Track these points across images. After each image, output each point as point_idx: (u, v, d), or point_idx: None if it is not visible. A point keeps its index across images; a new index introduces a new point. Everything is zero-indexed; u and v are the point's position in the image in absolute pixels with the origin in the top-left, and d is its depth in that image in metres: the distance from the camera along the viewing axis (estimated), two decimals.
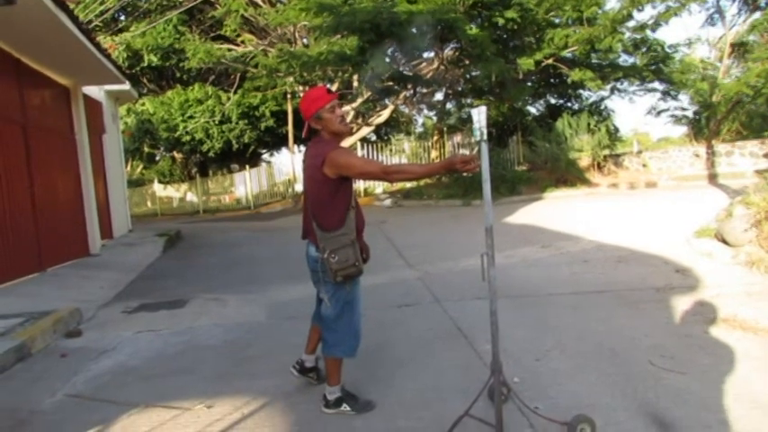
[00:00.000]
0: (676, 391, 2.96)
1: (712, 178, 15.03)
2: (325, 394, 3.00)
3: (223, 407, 3.14)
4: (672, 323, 4.11)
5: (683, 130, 20.68)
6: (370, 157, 18.52)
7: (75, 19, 6.90)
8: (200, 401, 3.21)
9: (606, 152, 16.57)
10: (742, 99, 16.07)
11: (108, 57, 8.77)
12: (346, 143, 20.31)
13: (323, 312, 3.01)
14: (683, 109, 18.56)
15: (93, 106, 10.71)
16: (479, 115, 2.53)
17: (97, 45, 8.08)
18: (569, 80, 16.27)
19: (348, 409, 2.95)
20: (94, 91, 10.98)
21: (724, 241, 6.11)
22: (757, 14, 17.02)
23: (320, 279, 2.93)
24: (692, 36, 21.15)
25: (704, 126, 17.60)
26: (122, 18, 20.58)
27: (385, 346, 3.99)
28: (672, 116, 19.15)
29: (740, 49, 18.41)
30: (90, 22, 15.84)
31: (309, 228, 2.94)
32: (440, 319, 4.57)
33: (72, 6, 7.33)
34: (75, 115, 9.26)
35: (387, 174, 2.79)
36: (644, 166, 16.71)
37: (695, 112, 18.09)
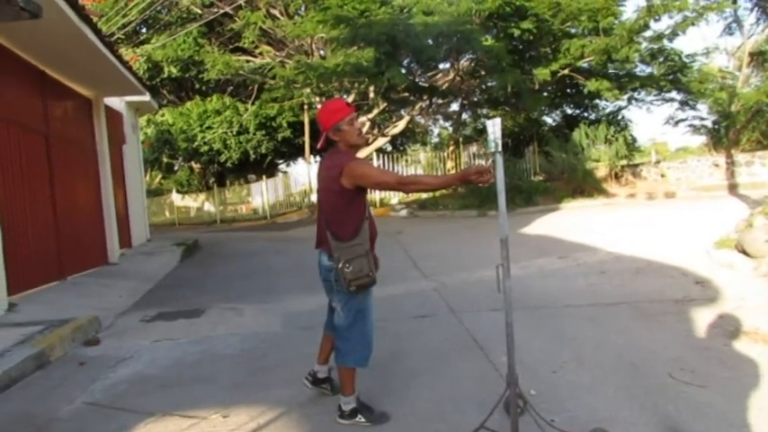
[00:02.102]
0: (697, 405, 2.91)
1: (732, 188, 14.80)
2: (340, 405, 3.00)
3: (239, 416, 3.15)
4: (692, 336, 4.05)
5: (701, 139, 20.40)
6: (386, 167, 18.57)
7: (98, 32, 7.06)
8: (217, 411, 3.23)
9: (624, 162, 16.41)
10: (762, 108, 15.84)
11: (129, 69, 8.94)
12: (362, 153, 20.47)
13: (336, 322, 3.03)
14: (702, 118, 18.32)
15: (113, 117, 10.91)
16: (494, 127, 2.54)
17: (119, 57, 8.25)
18: (586, 90, 16.17)
19: (363, 420, 2.94)
20: (115, 102, 11.19)
21: (744, 252, 6.00)
22: None
23: (333, 288, 2.95)
24: (710, 45, 21.03)
25: (723, 136, 17.35)
26: (144, 31, 20.98)
27: (400, 357, 3.98)
28: (690, 126, 18.90)
29: (759, 58, 18.18)
30: (112, 34, 16.17)
31: (323, 237, 2.96)
32: (455, 331, 4.55)
33: (95, 20, 7.50)
34: (96, 126, 9.44)
35: (402, 184, 2.86)
36: (662, 176, 16.51)
37: (714, 122, 17.85)
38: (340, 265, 2.81)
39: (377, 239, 3.09)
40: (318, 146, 3.02)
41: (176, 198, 28.50)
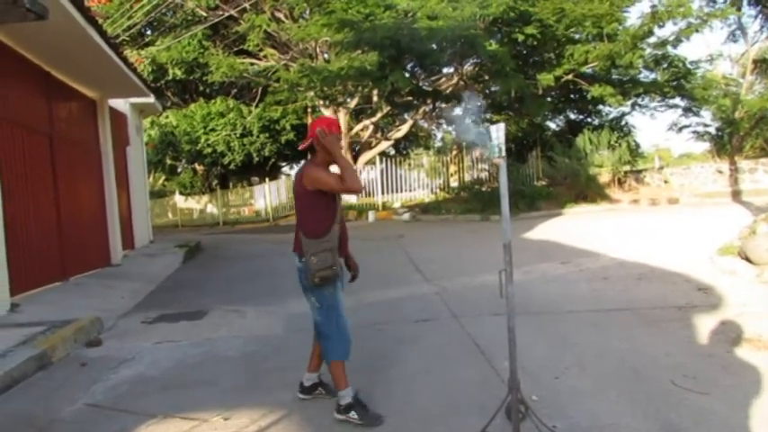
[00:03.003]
0: (699, 412, 2.90)
1: (736, 195, 14.77)
2: (338, 400, 3.10)
3: (240, 419, 3.15)
4: (694, 342, 4.04)
5: (704, 146, 20.39)
6: (389, 171, 18.61)
7: (103, 33, 7.09)
8: (218, 413, 3.23)
9: (627, 168, 16.41)
10: (765, 115, 15.83)
11: (134, 70, 8.98)
12: (365, 157, 20.48)
13: (315, 321, 3.22)
14: (706, 125, 18.30)
15: (118, 118, 10.94)
16: (498, 132, 2.54)
17: (124, 59, 8.28)
18: (589, 96, 16.19)
19: (356, 417, 3.01)
20: (120, 103, 11.23)
21: (747, 259, 5.99)
22: None
23: (306, 287, 3.15)
24: (713, 52, 21.01)
25: (727, 142, 17.34)
26: (149, 33, 21.09)
27: (402, 361, 3.97)
28: (694, 132, 18.88)
29: (763, 65, 18.18)
30: (117, 36, 16.24)
31: (297, 241, 3.21)
32: (457, 335, 4.54)
33: (101, 21, 7.54)
34: (100, 127, 9.47)
35: (341, 183, 3.04)
36: (665, 182, 16.50)
37: (718, 129, 17.83)
38: (307, 258, 3.05)
39: (348, 242, 3.37)
40: (301, 147, 3.25)
41: (179, 200, 28.54)
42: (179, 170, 29.93)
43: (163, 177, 31.37)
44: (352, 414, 3.01)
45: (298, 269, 3.19)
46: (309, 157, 3.22)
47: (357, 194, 3.50)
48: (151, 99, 11.63)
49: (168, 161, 25.78)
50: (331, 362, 3.12)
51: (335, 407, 3.09)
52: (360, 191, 3.38)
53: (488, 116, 20.53)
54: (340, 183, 3.05)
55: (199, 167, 27.68)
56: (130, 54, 16.76)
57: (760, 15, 17.58)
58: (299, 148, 3.24)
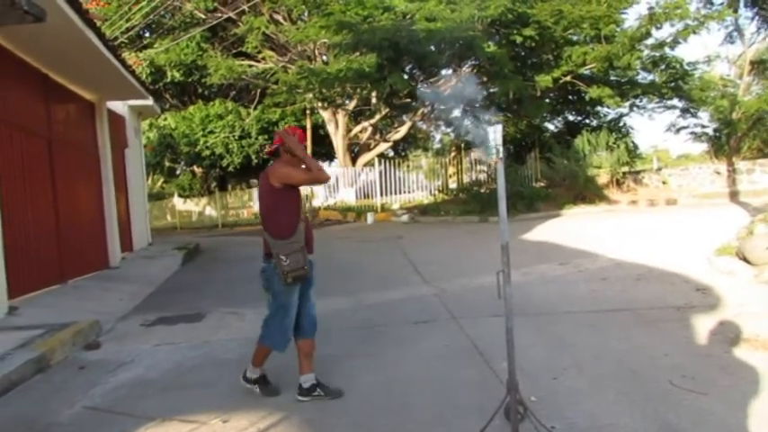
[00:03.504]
0: (697, 412, 2.90)
1: (733, 196, 14.79)
2: (247, 373, 3.50)
3: (239, 421, 3.15)
4: (692, 343, 4.04)
5: (702, 147, 20.45)
6: (388, 172, 18.63)
7: (101, 36, 7.09)
8: (217, 416, 3.23)
9: (625, 169, 16.43)
10: (763, 116, 15.88)
11: (132, 73, 8.98)
12: (365, 158, 20.49)
13: (268, 313, 3.44)
14: (703, 126, 18.35)
15: (116, 121, 10.94)
16: (495, 133, 2.55)
17: (123, 61, 8.28)
18: (587, 97, 16.22)
19: (257, 390, 3.48)
20: (118, 106, 11.22)
21: (745, 260, 6.00)
22: None
23: (270, 285, 3.34)
24: (711, 53, 21.11)
25: (725, 143, 17.38)
26: (147, 35, 21.07)
27: (400, 363, 3.98)
28: (692, 133, 18.94)
29: (760, 66, 18.24)
30: (116, 38, 16.25)
31: (267, 243, 3.35)
32: (456, 337, 4.54)
33: (99, 24, 7.54)
34: (98, 130, 9.47)
35: (309, 174, 3.32)
36: (664, 183, 16.52)
37: (715, 130, 17.88)
38: (278, 259, 3.20)
39: (314, 242, 3.52)
40: (267, 150, 3.53)
41: (178, 202, 28.52)
42: (178, 172, 29.92)
43: (161, 180, 31.35)
44: (256, 388, 3.47)
45: (261, 270, 3.38)
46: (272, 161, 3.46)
47: (324, 184, 3.84)
48: (149, 101, 11.62)
49: (167, 163, 25.77)
50: (261, 343, 3.45)
51: (244, 378, 3.50)
52: (327, 180, 3.52)
53: (487, 118, 20.57)
54: (307, 174, 3.31)
55: (197, 170, 27.67)
56: (129, 56, 16.76)
57: (757, 17, 17.62)
58: (266, 151, 3.53)
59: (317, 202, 20.31)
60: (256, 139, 22.34)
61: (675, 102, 17.58)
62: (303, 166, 3.34)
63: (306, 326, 3.48)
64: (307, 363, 3.43)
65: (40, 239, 6.90)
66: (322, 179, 3.39)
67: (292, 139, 3.33)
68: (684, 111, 18.05)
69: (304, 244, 3.28)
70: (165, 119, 22.56)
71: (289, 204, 3.31)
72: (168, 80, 20.75)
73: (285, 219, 3.27)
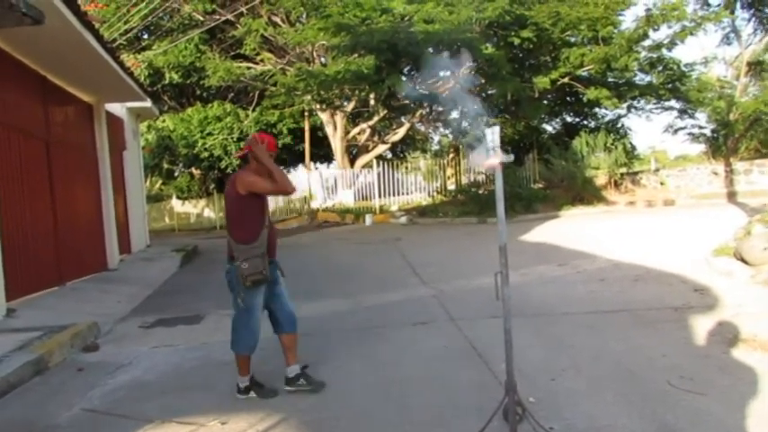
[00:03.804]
0: (695, 413, 2.91)
1: (731, 196, 14.82)
2: (238, 384, 3.54)
3: (237, 423, 3.15)
4: (690, 343, 4.05)
5: (700, 147, 20.45)
6: (386, 174, 18.66)
7: (100, 38, 7.09)
8: (215, 418, 3.23)
9: (623, 170, 16.45)
10: (760, 117, 15.91)
11: (131, 75, 8.97)
12: (364, 159, 20.48)
13: (234, 316, 3.55)
14: (701, 127, 18.38)
15: (114, 123, 10.93)
16: (493, 135, 2.55)
17: (121, 64, 8.28)
18: (585, 98, 16.24)
19: (255, 396, 3.51)
20: (116, 108, 11.22)
21: (743, 260, 6.01)
22: None
23: (233, 288, 3.44)
24: (708, 55, 21.19)
25: (722, 144, 17.42)
26: (145, 37, 21.05)
27: (399, 364, 3.98)
28: (689, 134, 18.95)
29: (757, 67, 18.27)
30: (114, 40, 16.24)
31: (230, 246, 3.47)
32: (454, 338, 4.54)
33: (97, 26, 7.54)
34: (97, 132, 9.46)
35: (274, 185, 3.42)
36: (661, 184, 16.55)
37: (713, 131, 17.91)
38: (238, 263, 3.33)
39: (277, 247, 3.67)
40: (236, 155, 3.83)
41: (176, 204, 28.50)
42: (176, 174, 29.87)
43: (160, 181, 31.31)
44: (251, 394, 3.51)
45: (226, 272, 3.49)
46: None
47: (289, 195, 3.88)
48: (148, 103, 11.62)
49: (165, 165, 25.74)
50: (235, 351, 3.55)
51: (236, 389, 3.54)
52: (292, 191, 3.62)
53: (485, 119, 20.61)
54: (272, 184, 3.40)
55: (196, 171, 27.65)
56: (127, 58, 16.74)
57: (753, 18, 17.67)
58: (235, 155, 3.59)
59: (315, 204, 20.32)
60: None
61: (673, 103, 17.61)
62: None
63: (283, 321, 3.63)
64: (291, 355, 3.59)
65: (38, 241, 6.89)
66: (287, 190, 3.53)
67: (260, 147, 3.42)
68: (682, 112, 18.08)
69: (265, 250, 3.41)
70: (164, 121, 22.54)
71: (253, 211, 3.43)
72: (167, 82, 20.75)
73: (249, 225, 3.40)
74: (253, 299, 3.46)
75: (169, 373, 4.12)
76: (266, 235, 3.44)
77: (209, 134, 22.06)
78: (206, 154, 22.35)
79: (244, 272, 3.32)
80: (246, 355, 3.55)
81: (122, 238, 10.57)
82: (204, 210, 27.70)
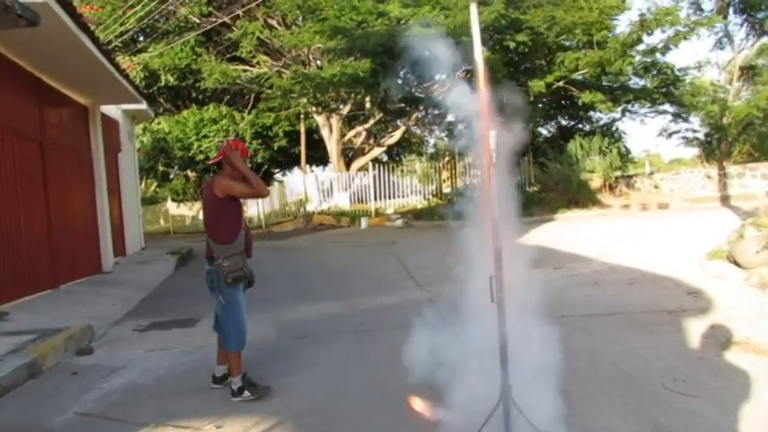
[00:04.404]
0: (689, 415, 2.92)
1: (724, 200, 14.91)
2: (231, 385, 3.56)
3: (233, 427, 3.14)
4: (684, 346, 4.07)
5: (694, 151, 20.59)
6: (382, 177, 18.67)
7: (95, 40, 7.08)
8: (210, 421, 3.22)
9: (618, 173, 16.53)
10: (752, 121, 16.04)
11: (127, 77, 8.96)
12: (359, 162, 20.47)
13: (218, 315, 3.69)
14: (694, 131, 18.50)
15: (109, 125, 10.90)
16: (491, 139, 2.56)
17: (117, 66, 8.27)
18: (580, 102, 16.31)
19: (249, 395, 3.51)
20: (112, 110, 11.18)
21: (736, 263, 6.05)
22: (765, 39, 17.14)
23: (215, 287, 3.59)
24: (701, 59, 21.28)
25: (715, 148, 17.54)
26: (141, 39, 21.01)
27: (394, 366, 3.97)
28: (683, 138, 19.06)
29: (749, 72, 18.40)
30: (110, 42, 16.20)
31: (209, 247, 3.65)
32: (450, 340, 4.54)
33: (93, 28, 7.53)
34: (92, 134, 9.43)
35: (249, 189, 3.58)
36: (656, 187, 16.63)
37: (706, 134, 18.04)
38: (220, 261, 3.52)
39: (253, 247, 3.84)
40: (211, 162, 4.09)
41: (171, 206, 28.40)
42: (171, 177, 29.81)
43: (155, 184, 31.21)
44: (246, 394, 3.51)
45: (207, 272, 3.64)
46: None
47: (263, 198, 4.02)
48: (143, 105, 11.59)
49: (160, 168, 25.67)
50: (227, 350, 3.63)
51: (231, 392, 3.53)
52: (265, 195, 3.84)
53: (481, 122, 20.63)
54: (247, 188, 3.58)
55: (191, 174, 27.59)
56: (123, 60, 16.72)
57: (746, 23, 17.78)
58: (209, 162, 3.92)
59: (311, 207, 20.30)
60: (250, 143, 22.29)
61: (667, 107, 17.72)
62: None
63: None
64: (223, 355, 3.73)
65: (32, 244, 6.86)
66: (261, 194, 3.73)
67: (235, 154, 3.58)
68: (676, 116, 18.20)
69: (244, 249, 3.61)
70: (159, 123, 22.48)
71: (230, 213, 3.61)
72: (162, 84, 20.70)
73: (227, 226, 3.58)
74: (234, 296, 3.60)
75: (164, 377, 4.11)
76: (243, 236, 3.62)
77: (205, 136, 22.01)
78: (201, 156, 22.28)
79: (225, 269, 3.49)
80: (237, 353, 3.60)
81: (117, 240, 10.53)
82: (199, 212, 27.61)
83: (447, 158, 20.28)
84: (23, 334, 4.92)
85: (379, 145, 21.49)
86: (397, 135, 20.87)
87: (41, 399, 3.76)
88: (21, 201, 6.65)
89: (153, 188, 31.67)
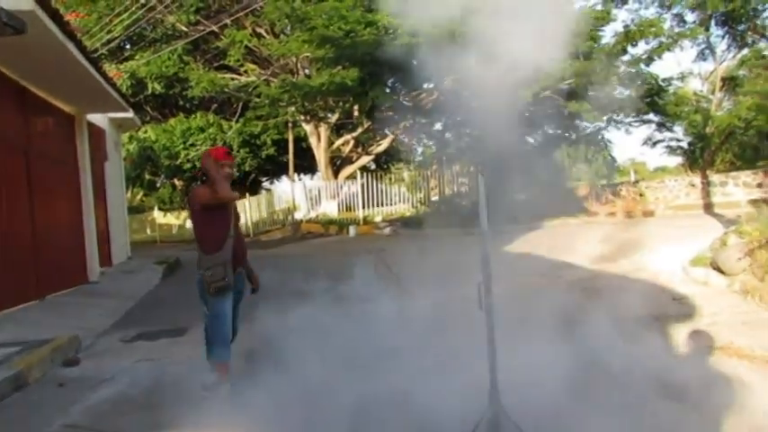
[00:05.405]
0: (674, 421, 2.96)
1: (708, 208, 15.14)
2: (205, 380, 3.61)
3: None
4: (669, 351, 4.13)
5: (678, 160, 20.94)
6: (370, 185, 18.71)
7: (82, 49, 7.05)
8: None
9: (603, 182, 16.74)
10: (734, 131, 16.35)
11: (113, 85, 8.93)
12: (347, 171, 20.48)
13: (206, 325, 3.67)
14: (678, 140, 18.84)
15: (96, 134, 10.83)
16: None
17: (103, 74, 8.24)
18: (566, 111, 16.50)
19: (213, 396, 3.54)
20: (98, 118, 11.11)
21: (719, 270, 6.15)
22: (746, 51, 17.51)
23: (202, 296, 3.61)
24: (684, 70, 21.64)
25: (699, 157, 17.86)
26: (128, 47, 20.93)
27: (386, 374, 3.98)
28: (667, 147, 19.38)
29: (731, 82, 18.78)
30: (96, 50, 16.12)
31: (198, 258, 3.65)
32: (438, 348, 4.56)
33: (79, 36, 7.50)
34: (78, 143, 9.37)
35: (213, 193, 3.55)
36: (641, 195, 16.85)
37: (690, 143, 18.36)
38: (203, 272, 3.54)
39: (247, 255, 3.89)
40: (197, 173, 3.95)
41: (158, 215, 28.20)
42: (158, 185, 29.61)
43: (141, 193, 30.97)
44: (232, 401, 3.54)
45: (197, 281, 3.65)
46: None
47: (228, 202, 3.97)
48: (130, 114, 11.54)
49: (147, 176, 25.52)
50: (214, 361, 3.63)
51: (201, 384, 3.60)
52: (230, 199, 3.73)
53: (468, 131, 20.78)
54: (212, 193, 3.55)
55: (178, 183, 27.44)
56: (109, 68, 16.62)
57: (727, 35, 18.19)
58: (198, 173, 3.82)
59: (299, 215, 20.27)
60: (238, 152, 22.25)
61: (651, 116, 18.00)
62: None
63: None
64: (223, 375, 3.69)
65: (17, 254, 6.78)
66: (223, 198, 3.59)
67: (208, 161, 3.60)
68: (660, 125, 18.48)
69: (229, 258, 3.57)
70: (146, 131, 22.36)
71: (213, 223, 3.61)
72: (149, 92, 20.60)
73: (211, 236, 3.59)
74: (219, 306, 3.60)
75: (151, 388, 4.08)
76: (230, 245, 3.60)
77: (192, 145, 21.93)
78: (188, 165, 22.19)
79: (208, 279, 3.52)
80: (223, 363, 3.62)
81: (103, 250, 10.44)
82: (186, 221, 27.42)
83: (435, 166, 20.39)
84: (9, 346, 4.86)
85: (368, 153, 21.54)
86: (385, 143, 20.94)
87: (27, 411, 3.72)
88: (4, 210, 6.58)
89: (139, 197, 31.43)
